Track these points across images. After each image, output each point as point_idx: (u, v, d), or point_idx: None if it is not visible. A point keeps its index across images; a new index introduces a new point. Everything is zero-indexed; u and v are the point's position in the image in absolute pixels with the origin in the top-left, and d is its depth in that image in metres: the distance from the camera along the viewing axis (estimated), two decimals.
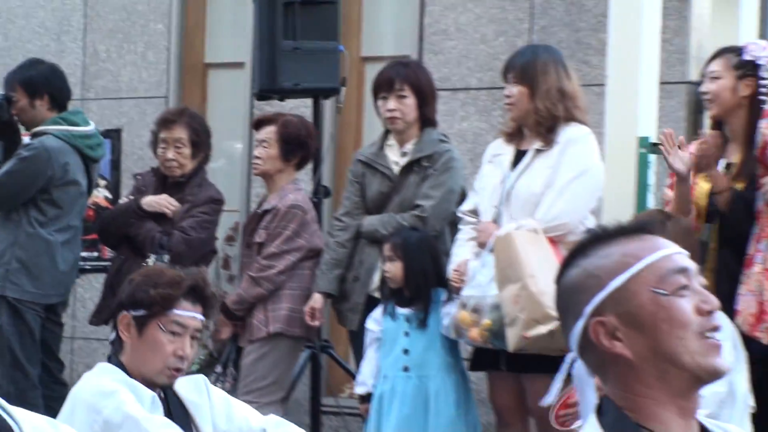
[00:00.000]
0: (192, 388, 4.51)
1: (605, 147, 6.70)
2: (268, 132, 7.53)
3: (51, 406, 7.52)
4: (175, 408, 4.42)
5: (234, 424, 4.46)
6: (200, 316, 4.39)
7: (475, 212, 6.65)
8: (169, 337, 4.31)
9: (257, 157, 7.59)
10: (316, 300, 7.20)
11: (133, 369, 4.36)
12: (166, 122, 7.90)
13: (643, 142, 6.66)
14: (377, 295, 6.98)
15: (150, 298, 4.30)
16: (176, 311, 4.31)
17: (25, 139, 8.09)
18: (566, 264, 2.52)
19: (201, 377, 4.62)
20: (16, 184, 7.84)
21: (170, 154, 7.79)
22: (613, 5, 6.84)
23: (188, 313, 4.35)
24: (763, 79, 6.40)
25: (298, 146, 7.51)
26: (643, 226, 2.47)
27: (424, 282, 6.68)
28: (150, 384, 4.36)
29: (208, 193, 7.93)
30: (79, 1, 10.44)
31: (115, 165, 9.36)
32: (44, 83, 8.06)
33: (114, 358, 4.42)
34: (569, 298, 2.50)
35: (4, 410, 3.07)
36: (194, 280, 4.42)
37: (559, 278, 2.54)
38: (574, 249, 2.52)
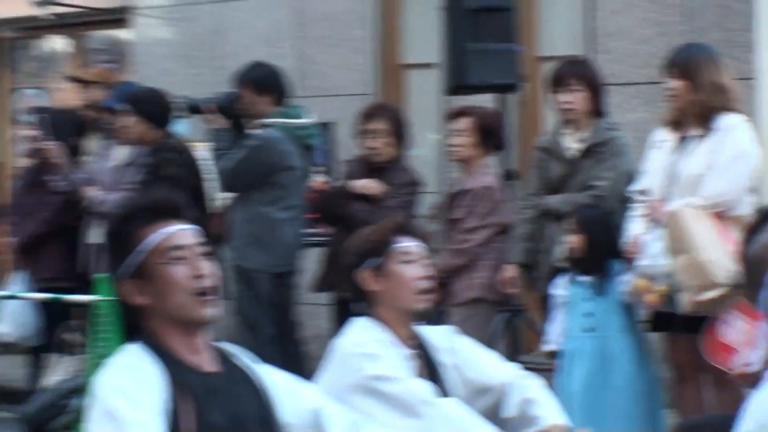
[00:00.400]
0: (441, 336, 4.47)
1: (759, 133, 6.78)
2: (465, 123, 7.69)
3: (287, 362, 7.76)
4: (426, 354, 4.37)
5: (482, 373, 4.38)
6: (421, 243, 4.41)
7: (644, 192, 6.72)
8: (405, 267, 4.30)
9: (456, 145, 7.72)
10: (510, 269, 7.36)
11: (389, 314, 4.33)
12: (369, 116, 8.08)
13: None
14: (562, 264, 7.07)
15: (374, 245, 4.34)
16: (399, 245, 4.32)
17: (252, 131, 8.18)
18: (746, 242, 2.59)
19: (450, 327, 4.61)
20: (246, 170, 7.97)
21: (374, 144, 7.98)
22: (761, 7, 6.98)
23: (409, 243, 4.35)
24: None
25: (490, 135, 7.68)
26: None
27: (603, 253, 6.78)
28: (409, 318, 4.35)
29: (408, 176, 8.12)
30: (292, 11, 10.52)
31: (329, 153, 9.47)
32: (268, 82, 8.20)
33: (367, 313, 4.38)
34: (755, 270, 2.54)
35: (254, 368, 3.34)
36: (397, 220, 4.52)
37: (742, 255, 2.61)
38: (749, 229, 2.60)
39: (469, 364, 4.38)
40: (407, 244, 4.34)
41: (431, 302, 4.37)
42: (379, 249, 4.32)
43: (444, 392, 4.24)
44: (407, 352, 4.30)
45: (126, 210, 3.29)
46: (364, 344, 4.24)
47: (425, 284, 4.32)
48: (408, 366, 4.25)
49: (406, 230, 4.40)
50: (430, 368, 4.30)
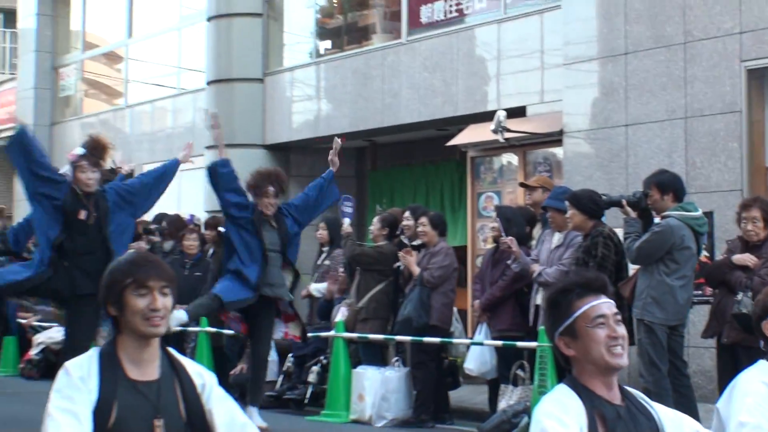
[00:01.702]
0: None
1: None
2: None
3: (678, 391, 7.88)
4: None
5: None
6: None
7: None
8: None
9: None
10: None
11: None
12: (747, 206, 8.04)
13: None
14: None
15: None
16: None
17: (656, 219, 8.10)
18: None
19: None
20: (651, 248, 7.95)
21: (750, 227, 7.92)
22: None
23: None
24: None
25: None
26: None
27: None
28: None
29: None
30: (683, 130, 10.47)
31: (710, 235, 9.34)
32: (670, 184, 8.13)
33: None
34: None
35: (647, 402, 3.34)
36: None
37: None
38: None
39: None
40: None
41: None
42: None
43: None
44: None
45: (564, 285, 3.31)
46: (747, 383, 3.88)
47: None
48: None
49: None
50: None
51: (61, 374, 3.25)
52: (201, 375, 3.42)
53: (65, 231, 8.16)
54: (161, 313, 3.29)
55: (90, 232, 8.19)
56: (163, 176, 8.76)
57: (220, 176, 9.07)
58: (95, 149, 8.42)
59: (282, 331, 9.53)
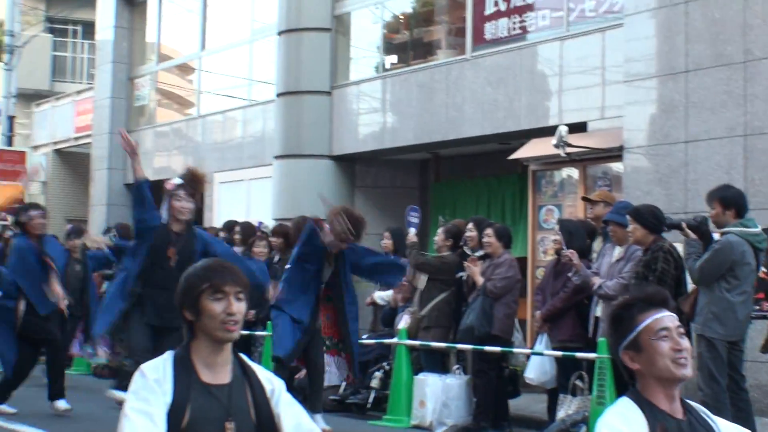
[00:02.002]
0: None
1: None
2: None
3: (737, 405, 7.80)
4: None
5: None
6: None
7: None
8: None
9: None
10: None
11: None
12: None
13: None
14: None
15: None
16: None
17: (715, 236, 8.04)
18: None
19: None
20: (712, 267, 7.91)
21: None
22: None
23: None
24: None
25: None
26: None
27: None
28: None
29: None
30: (741, 148, 10.40)
31: (766, 252, 8.99)
32: (733, 200, 8.05)
33: None
34: None
35: (708, 416, 3.27)
36: None
37: None
38: None
39: None
40: None
41: None
42: None
43: None
44: None
45: (626, 300, 3.31)
46: None
47: None
48: None
49: None
50: None
51: (137, 376, 3.28)
52: (270, 381, 3.44)
53: (148, 262, 8.31)
54: (236, 318, 3.31)
55: (170, 268, 8.28)
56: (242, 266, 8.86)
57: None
58: (192, 181, 8.60)
59: (345, 373, 9.63)
